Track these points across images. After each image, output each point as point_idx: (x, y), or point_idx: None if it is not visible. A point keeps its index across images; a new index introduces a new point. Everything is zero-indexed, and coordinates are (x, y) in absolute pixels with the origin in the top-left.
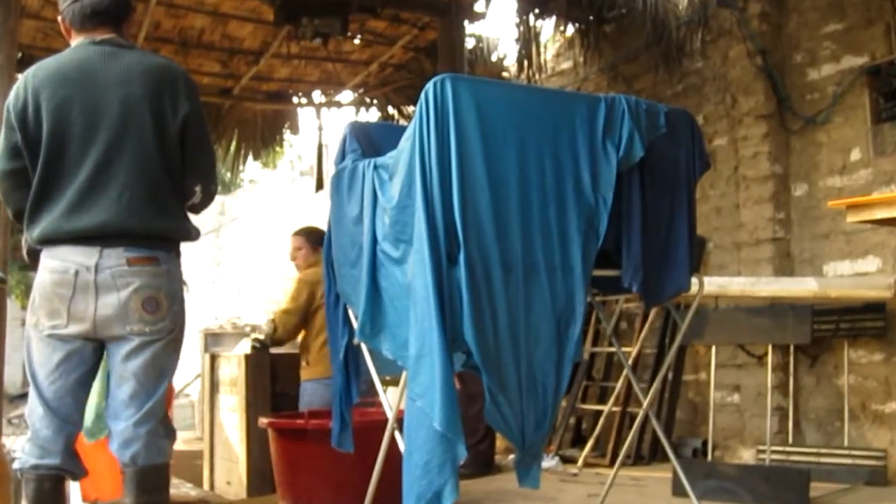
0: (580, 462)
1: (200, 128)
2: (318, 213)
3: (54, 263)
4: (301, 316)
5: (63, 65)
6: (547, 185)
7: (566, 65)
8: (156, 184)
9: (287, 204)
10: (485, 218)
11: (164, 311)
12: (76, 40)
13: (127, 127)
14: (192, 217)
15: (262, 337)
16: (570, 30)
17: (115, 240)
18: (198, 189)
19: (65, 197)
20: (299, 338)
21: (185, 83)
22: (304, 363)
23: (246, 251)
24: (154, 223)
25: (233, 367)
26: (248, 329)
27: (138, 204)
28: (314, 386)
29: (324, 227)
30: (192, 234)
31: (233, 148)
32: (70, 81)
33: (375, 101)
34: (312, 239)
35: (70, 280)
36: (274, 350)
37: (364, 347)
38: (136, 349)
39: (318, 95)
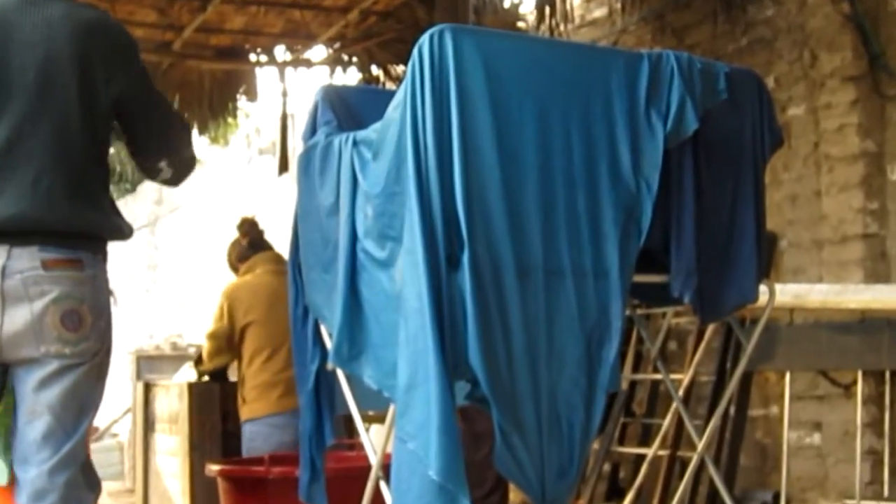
0: None
1: (147, 95)
2: (281, 202)
3: None
4: (226, 340)
5: None
6: (575, 166)
7: (599, 13)
8: (80, 169)
9: (242, 190)
10: (495, 208)
11: (87, 327)
12: None
13: (45, 97)
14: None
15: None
16: None
17: (28, 237)
18: (163, 165)
19: None
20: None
21: (125, 43)
22: (239, 400)
23: (189, 251)
24: (78, 217)
25: (172, 398)
26: (192, 350)
27: (58, 193)
28: (255, 428)
29: (285, 219)
30: (125, 231)
31: None
32: None
33: (355, 60)
34: (243, 234)
35: None
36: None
37: (340, 375)
38: (52, 376)
39: (281, 52)
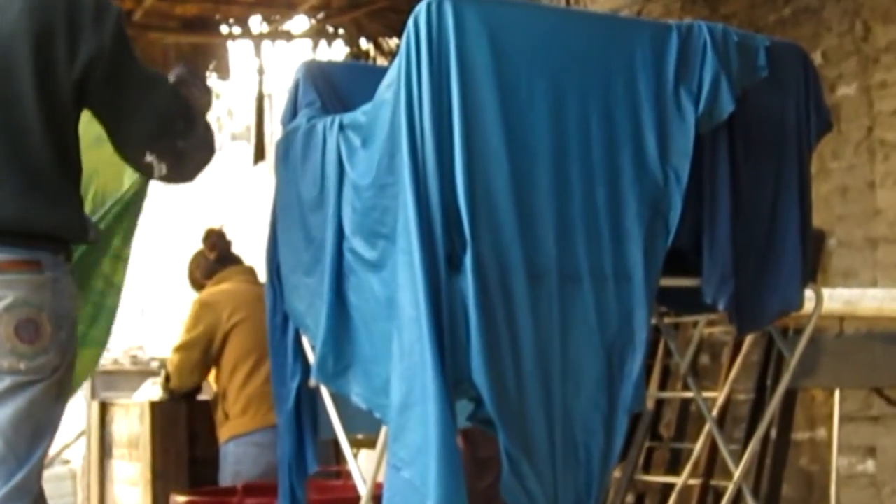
0: None
1: (120, 67)
2: (257, 196)
3: None
4: (201, 353)
5: None
6: (593, 154)
7: None
8: (39, 161)
9: (212, 181)
10: (502, 202)
11: (46, 339)
12: None
13: None
14: None
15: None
16: None
17: None
18: (150, 159)
19: None
20: (212, 380)
21: (94, 10)
22: (220, 416)
23: (151, 252)
24: (37, 215)
25: (132, 420)
26: (154, 365)
27: (13, 187)
28: (239, 448)
29: (261, 214)
30: (89, 232)
31: None
32: None
33: (341, 32)
34: (210, 247)
35: None
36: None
37: (325, 392)
38: (3, 394)
39: (257, 23)
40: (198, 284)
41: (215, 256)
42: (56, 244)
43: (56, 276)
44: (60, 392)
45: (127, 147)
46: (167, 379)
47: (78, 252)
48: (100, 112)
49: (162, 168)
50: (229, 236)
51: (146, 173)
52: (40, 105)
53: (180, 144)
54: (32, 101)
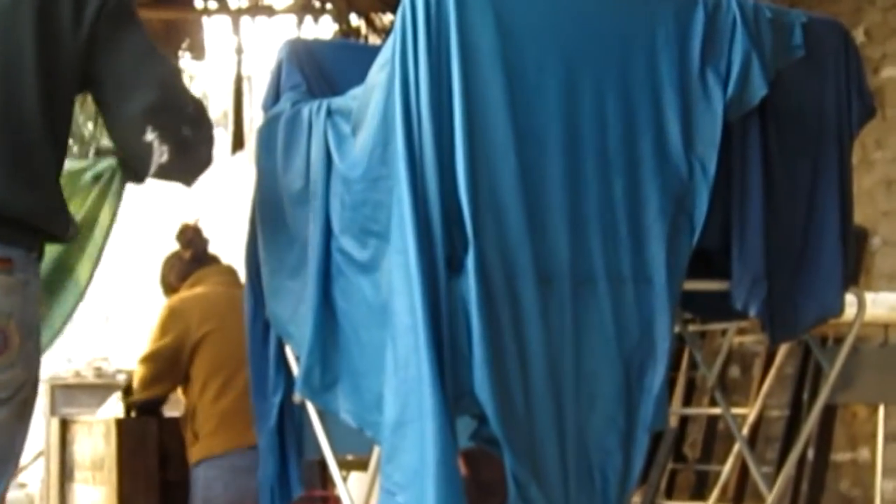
0: None
1: (131, 28)
2: (235, 190)
3: None
4: (167, 365)
5: None
6: (610, 142)
7: None
8: (29, 140)
9: None
10: (508, 197)
11: (14, 350)
12: None
13: None
14: None
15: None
16: None
17: None
18: (151, 137)
19: None
20: (180, 394)
21: None
22: (189, 436)
23: (118, 252)
24: (15, 201)
25: (97, 439)
26: (121, 378)
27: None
28: (211, 472)
29: (240, 210)
30: (69, 227)
31: None
32: None
33: (329, 7)
34: (185, 245)
35: None
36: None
37: (311, 409)
38: None
39: None
40: (171, 289)
41: (190, 255)
42: (32, 238)
43: (27, 279)
44: (24, 412)
45: (127, 122)
46: (128, 389)
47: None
48: (102, 79)
49: (163, 153)
50: (206, 233)
51: (143, 162)
52: (39, 75)
53: (186, 131)
54: (33, 69)
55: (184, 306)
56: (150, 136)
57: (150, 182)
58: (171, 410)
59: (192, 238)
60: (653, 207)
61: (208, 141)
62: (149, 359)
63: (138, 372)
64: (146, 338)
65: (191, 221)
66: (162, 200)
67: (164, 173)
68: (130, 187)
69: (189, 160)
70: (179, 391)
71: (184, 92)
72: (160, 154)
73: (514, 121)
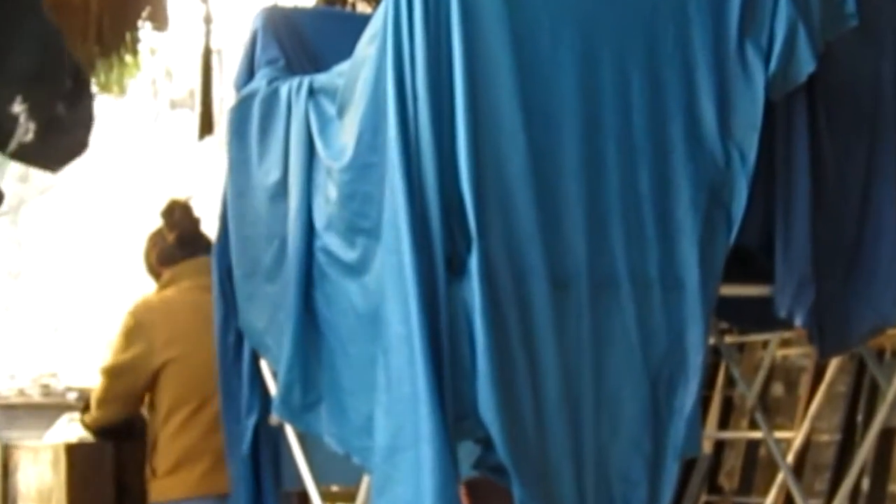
0: None
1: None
2: (203, 179)
3: None
4: (130, 382)
5: None
6: (635, 128)
7: None
8: None
9: (146, 161)
10: (518, 189)
11: None
12: None
13: None
14: None
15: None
16: None
17: None
18: (19, 111)
19: None
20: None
21: None
22: (148, 471)
23: (69, 251)
24: None
25: (43, 467)
26: (72, 397)
27: None
28: None
29: (210, 204)
30: None
31: None
32: None
33: None
34: (171, 225)
35: None
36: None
37: (290, 432)
38: None
39: None
40: (154, 272)
41: (175, 238)
42: None
43: None
44: None
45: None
46: (84, 408)
47: None
48: None
49: (28, 130)
50: (196, 214)
51: (1, 134)
52: None
53: (61, 109)
54: None
55: (149, 318)
56: (17, 107)
57: (103, 175)
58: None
59: (179, 219)
60: (684, 200)
61: (86, 123)
62: (109, 373)
63: (98, 386)
64: (107, 348)
65: (181, 198)
66: (118, 194)
67: (25, 155)
68: (81, 183)
69: (58, 144)
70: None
71: (66, 60)
72: (25, 131)
73: (525, 99)
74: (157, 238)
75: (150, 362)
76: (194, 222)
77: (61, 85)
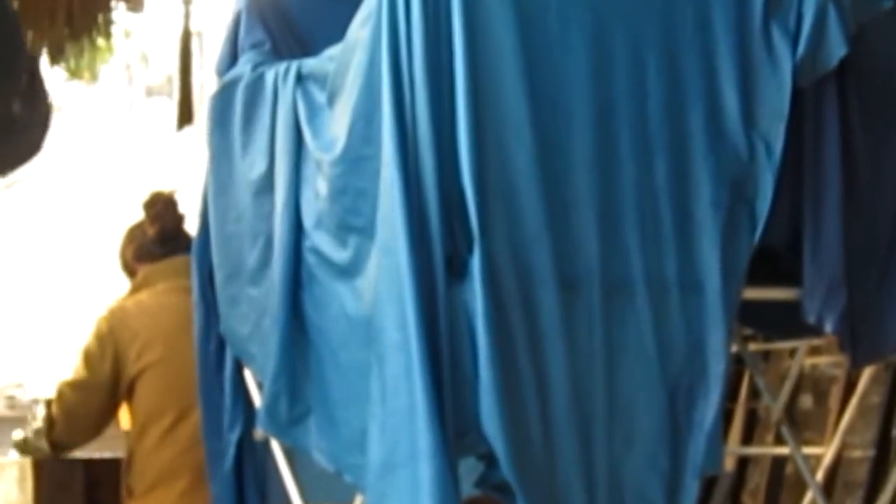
0: None
1: None
2: (182, 172)
3: None
4: (101, 395)
5: None
6: (650, 117)
7: None
8: None
9: (120, 153)
10: (523, 184)
11: None
12: None
13: None
14: None
15: (31, 434)
16: None
17: None
18: None
19: None
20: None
21: None
22: (124, 490)
23: (35, 251)
24: None
25: (8, 485)
26: (39, 410)
27: None
28: None
29: (190, 200)
30: None
31: None
32: None
33: None
34: (152, 219)
35: None
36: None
37: (276, 448)
38: None
39: None
40: (129, 270)
41: (156, 232)
42: None
43: None
44: None
45: None
46: (50, 424)
47: None
48: None
49: None
50: (180, 209)
51: None
52: None
53: (16, 108)
54: None
55: (123, 324)
56: None
57: (74, 170)
58: (105, 450)
59: (160, 212)
60: (704, 196)
61: (42, 124)
62: (79, 386)
63: (63, 398)
64: (77, 356)
65: (165, 191)
66: (91, 190)
67: None
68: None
69: (12, 145)
70: (123, 420)
71: (23, 54)
72: None
73: (531, 85)
74: (136, 232)
75: (124, 372)
76: (177, 218)
77: (17, 81)
